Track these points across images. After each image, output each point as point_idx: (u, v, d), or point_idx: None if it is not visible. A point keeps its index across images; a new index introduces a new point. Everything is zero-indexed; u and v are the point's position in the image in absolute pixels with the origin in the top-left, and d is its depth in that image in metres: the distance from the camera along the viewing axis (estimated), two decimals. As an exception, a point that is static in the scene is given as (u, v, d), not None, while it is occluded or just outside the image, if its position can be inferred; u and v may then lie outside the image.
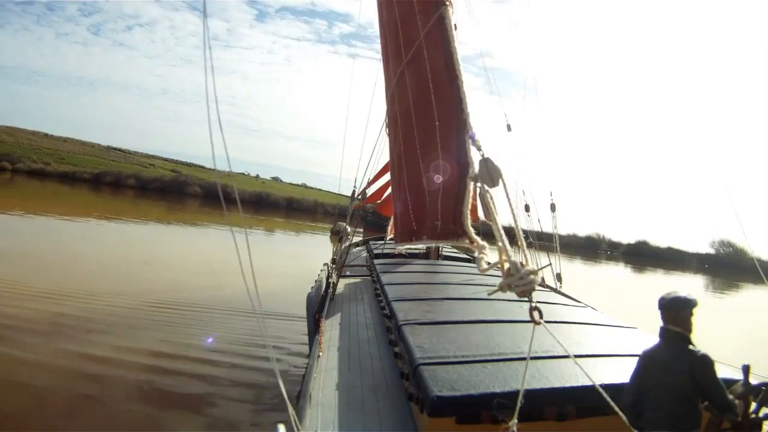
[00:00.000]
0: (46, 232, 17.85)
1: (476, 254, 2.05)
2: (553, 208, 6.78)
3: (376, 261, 6.82)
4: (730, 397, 2.22)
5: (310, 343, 5.31)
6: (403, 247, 7.37)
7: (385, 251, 8.27)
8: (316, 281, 6.57)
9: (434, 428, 2.25)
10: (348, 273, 7.62)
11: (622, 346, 3.15)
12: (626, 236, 79.63)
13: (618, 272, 39.89)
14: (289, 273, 14.19)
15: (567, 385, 2.35)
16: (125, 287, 10.01)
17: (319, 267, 7.96)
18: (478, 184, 2.02)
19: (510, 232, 1.91)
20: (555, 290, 5.99)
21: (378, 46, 3.95)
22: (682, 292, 2.32)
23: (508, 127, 6.88)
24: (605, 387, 1.76)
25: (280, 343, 7.40)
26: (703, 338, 2.52)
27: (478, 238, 2.18)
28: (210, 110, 1.59)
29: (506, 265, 1.75)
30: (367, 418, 2.65)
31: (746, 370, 2.36)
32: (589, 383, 1.83)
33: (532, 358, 2.50)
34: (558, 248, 6.78)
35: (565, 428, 2.27)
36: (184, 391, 5.52)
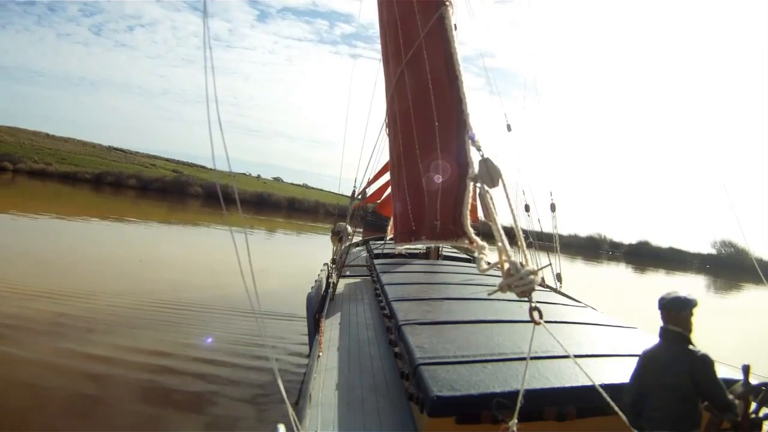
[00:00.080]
0: (47, 233, 17.87)
1: (476, 254, 2.05)
2: (553, 208, 6.78)
3: (376, 261, 6.82)
4: (730, 397, 2.21)
5: (310, 343, 5.31)
6: (403, 247, 7.40)
7: (385, 251, 8.27)
8: (316, 281, 6.57)
9: (434, 428, 2.25)
10: (348, 273, 7.62)
11: (622, 346, 3.15)
12: (628, 236, 79.83)
13: (619, 272, 39.86)
14: (289, 273, 14.20)
15: (567, 385, 2.35)
16: (125, 287, 10.02)
17: (320, 267, 7.96)
18: (478, 185, 2.02)
19: (510, 233, 1.91)
20: (555, 290, 5.99)
21: (379, 47, 3.95)
22: (682, 292, 2.32)
23: (508, 127, 6.88)
24: (605, 387, 1.76)
25: (280, 343, 7.40)
26: (703, 338, 2.52)
27: (477, 239, 2.18)
28: (210, 110, 1.59)
29: (506, 266, 1.75)
30: (367, 418, 2.65)
31: (746, 370, 2.36)
32: (589, 383, 1.83)
33: (532, 358, 2.50)
34: (558, 248, 6.78)
35: (565, 428, 2.27)
36: (184, 390, 5.53)
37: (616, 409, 1.71)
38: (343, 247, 8.24)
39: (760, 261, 4.31)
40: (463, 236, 2.23)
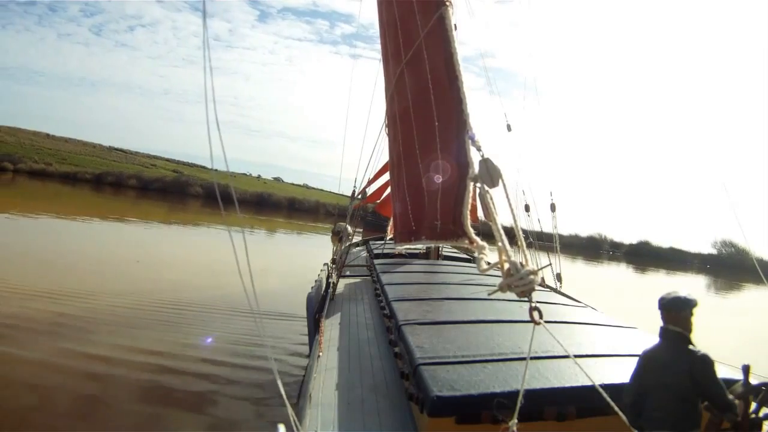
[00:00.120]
0: (47, 233, 17.87)
1: (476, 254, 2.05)
2: (553, 208, 6.78)
3: (376, 261, 6.82)
4: (730, 397, 2.21)
5: (310, 343, 5.31)
6: (403, 247, 7.40)
7: (385, 251, 8.27)
8: (316, 281, 6.57)
9: (434, 428, 2.24)
10: (348, 273, 7.62)
11: (622, 346, 3.15)
12: (628, 236, 79.86)
13: (619, 273, 39.85)
14: (289, 273, 14.20)
15: (567, 385, 2.35)
16: (125, 287, 10.02)
17: (320, 267, 7.96)
18: (478, 185, 2.02)
19: (510, 232, 1.91)
20: (555, 290, 5.99)
21: (379, 47, 3.95)
22: (682, 292, 2.32)
23: (508, 127, 6.88)
24: (605, 387, 1.76)
25: (280, 343, 7.40)
26: (703, 338, 2.52)
27: (477, 239, 2.18)
28: (209, 111, 1.59)
29: (506, 266, 1.75)
30: (367, 418, 2.65)
31: (746, 370, 2.36)
32: (589, 383, 1.83)
33: (532, 358, 2.49)
34: (558, 248, 6.78)
35: (565, 428, 2.27)
36: (184, 390, 5.53)
37: (616, 409, 1.71)
38: (343, 247, 8.24)
39: (760, 261, 4.30)
40: (464, 236, 2.22)
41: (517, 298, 1.76)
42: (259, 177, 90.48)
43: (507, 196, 1.97)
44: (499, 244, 1.81)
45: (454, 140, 2.38)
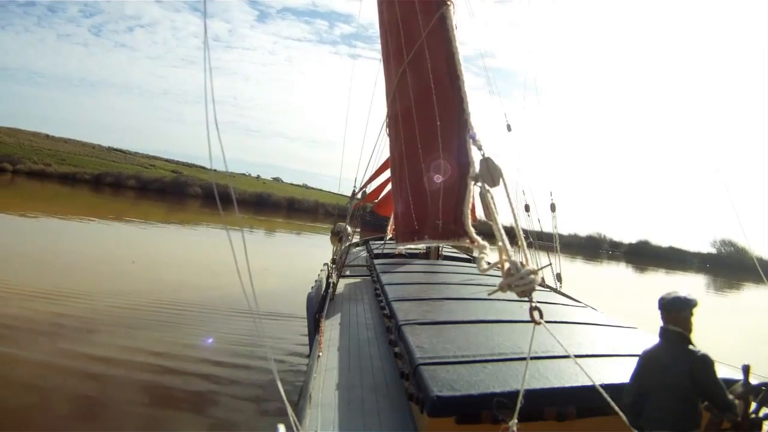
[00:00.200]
0: (46, 233, 17.86)
1: (476, 254, 2.05)
2: (553, 208, 6.78)
3: (376, 261, 6.82)
4: (730, 397, 2.21)
5: (310, 343, 5.30)
6: (404, 247, 7.40)
7: (385, 251, 8.27)
8: (316, 281, 6.57)
9: (434, 428, 2.24)
10: (348, 273, 7.62)
11: (622, 346, 3.14)
12: (628, 236, 79.88)
13: (619, 272, 39.87)
14: (288, 273, 14.19)
15: (567, 385, 2.35)
16: (125, 287, 10.02)
17: (319, 267, 7.96)
18: (479, 184, 2.02)
19: (510, 232, 1.91)
20: (555, 290, 5.99)
21: (379, 47, 3.95)
22: (682, 292, 2.32)
23: (508, 127, 6.87)
24: (605, 387, 1.76)
25: (280, 343, 7.40)
26: (703, 338, 2.52)
27: (478, 238, 2.18)
28: (208, 111, 1.59)
29: (506, 265, 1.75)
30: (367, 418, 2.65)
31: (746, 370, 2.36)
32: (589, 383, 1.83)
33: (532, 358, 2.49)
34: (558, 248, 6.78)
35: (565, 428, 2.27)
36: (184, 390, 5.53)
37: (616, 409, 1.71)
38: (343, 247, 8.23)
39: (760, 260, 4.30)
40: (465, 236, 2.22)
41: (518, 298, 1.76)
42: (258, 177, 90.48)
43: (507, 196, 1.97)
44: (500, 243, 1.81)
45: (455, 139, 2.38)
